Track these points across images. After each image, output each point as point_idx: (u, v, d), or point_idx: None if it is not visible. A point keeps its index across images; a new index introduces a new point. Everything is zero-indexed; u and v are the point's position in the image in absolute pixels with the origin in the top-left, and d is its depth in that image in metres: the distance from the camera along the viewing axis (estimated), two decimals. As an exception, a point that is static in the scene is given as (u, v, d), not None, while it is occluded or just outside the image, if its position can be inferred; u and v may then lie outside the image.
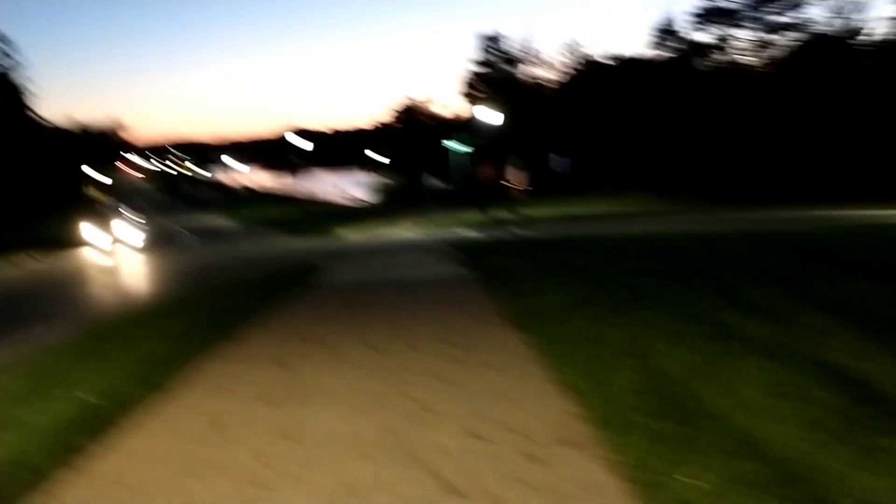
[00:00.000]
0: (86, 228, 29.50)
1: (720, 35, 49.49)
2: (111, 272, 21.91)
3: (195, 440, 4.92)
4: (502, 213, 24.72)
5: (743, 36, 48.64)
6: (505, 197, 23.99)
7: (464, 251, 16.84)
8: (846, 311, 7.07)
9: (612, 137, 48.51)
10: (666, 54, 53.10)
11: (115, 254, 27.11)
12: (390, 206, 56.55)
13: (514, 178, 21.45)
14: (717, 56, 50.39)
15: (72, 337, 9.04)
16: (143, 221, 33.76)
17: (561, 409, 4.97)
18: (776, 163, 41.47)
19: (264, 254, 26.24)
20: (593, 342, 6.59)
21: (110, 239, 28.91)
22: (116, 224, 30.74)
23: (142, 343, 7.95)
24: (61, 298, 15.88)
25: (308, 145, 75.97)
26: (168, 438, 5.00)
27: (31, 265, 26.31)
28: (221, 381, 6.38)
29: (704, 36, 50.70)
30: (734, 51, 49.46)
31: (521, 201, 21.42)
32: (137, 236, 30.83)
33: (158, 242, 35.62)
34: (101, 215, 31.22)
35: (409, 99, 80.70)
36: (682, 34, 52.09)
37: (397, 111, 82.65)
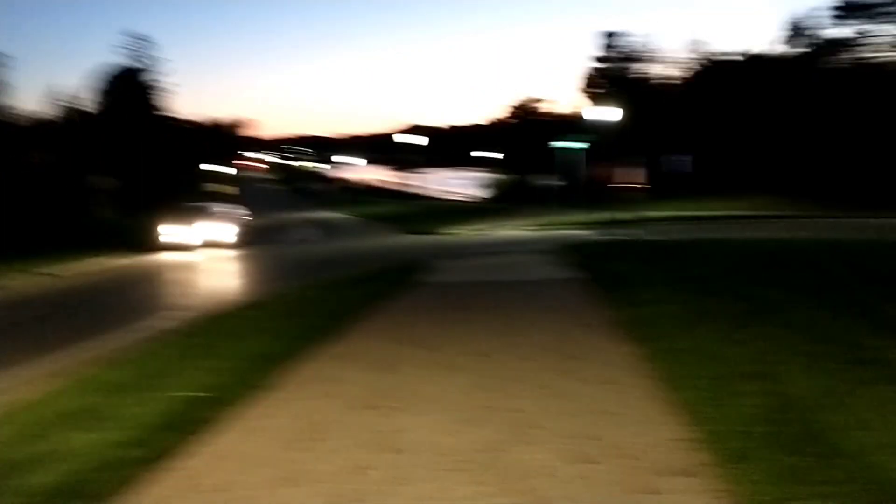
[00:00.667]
0: (168, 228, 28.09)
1: (858, 30, 46.49)
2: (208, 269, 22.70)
3: (292, 445, 4.86)
4: (619, 214, 24.06)
5: (883, 31, 45.52)
6: (622, 197, 23.33)
7: (578, 253, 16.45)
8: None
9: (735, 137, 46.48)
10: (796, 50, 50.37)
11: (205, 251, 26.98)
12: (504, 203, 56.25)
13: (632, 177, 20.80)
14: (851, 53, 47.46)
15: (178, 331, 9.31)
16: (242, 216, 33.19)
17: (677, 434, 4.63)
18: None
19: (376, 249, 26.55)
20: (715, 360, 6.17)
21: (197, 236, 27.58)
22: (206, 221, 28.95)
23: (247, 340, 8.06)
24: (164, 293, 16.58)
25: (423, 141, 76.53)
26: (266, 441, 4.96)
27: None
28: (323, 384, 6.34)
29: (840, 31, 47.78)
30: (871, 47, 46.37)
31: (638, 201, 20.75)
32: (230, 232, 29.36)
33: (267, 237, 36.76)
34: (189, 213, 30.27)
35: (526, 96, 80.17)
36: (814, 29, 49.24)
37: (513, 108, 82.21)
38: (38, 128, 76.28)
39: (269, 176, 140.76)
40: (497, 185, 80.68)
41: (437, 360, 7.04)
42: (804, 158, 41.73)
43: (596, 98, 57.10)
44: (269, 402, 5.88)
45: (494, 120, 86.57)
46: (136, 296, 16.13)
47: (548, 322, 8.75)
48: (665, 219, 29.40)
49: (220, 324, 9.33)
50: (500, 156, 78.12)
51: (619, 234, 21.08)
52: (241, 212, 33.05)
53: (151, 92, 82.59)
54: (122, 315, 12.31)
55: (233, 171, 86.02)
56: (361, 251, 26.14)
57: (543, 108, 78.20)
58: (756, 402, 4.92)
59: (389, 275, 14.59)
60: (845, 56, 47.01)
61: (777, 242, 16.85)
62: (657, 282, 11.16)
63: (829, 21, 47.77)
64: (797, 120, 43.23)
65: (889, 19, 44.81)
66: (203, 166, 70.50)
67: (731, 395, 5.14)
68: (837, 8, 46.05)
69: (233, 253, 25.70)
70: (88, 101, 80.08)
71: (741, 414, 4.73)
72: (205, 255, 25.02)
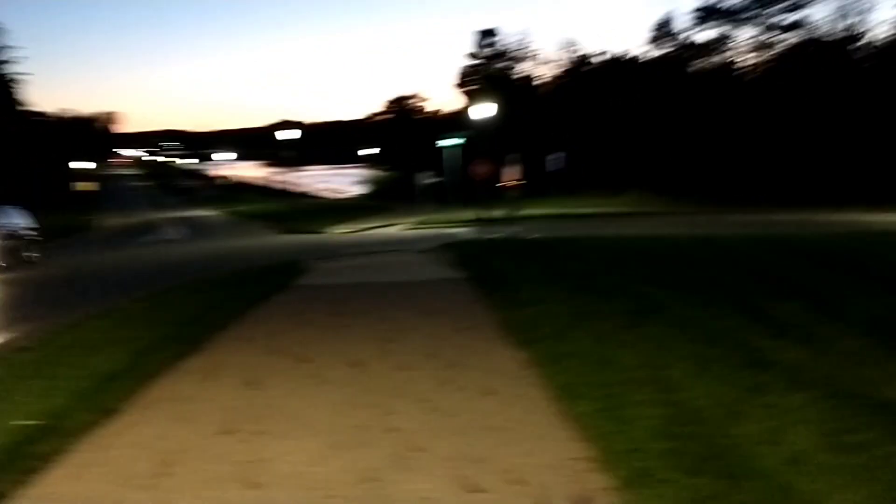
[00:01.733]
0: None
1: (720, 35, 48.82)
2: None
3: (131, 482, 4.11)
4: (496, 211, 23.93)
5: (743, 36, 47.99)
6: (499, 194, 23.20)
7: (457, 252, 16.06)
8: (887, 331, 6.33)
9: (609, 136, 47.78)
10: (664, 52, 52.36)
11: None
12: (381, 201, 55.67)
13: (509, 174, 20.66)
14: (715, 56, 49.74)
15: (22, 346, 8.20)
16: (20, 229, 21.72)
17: (573, 454, 4.19)
18: (774, 165, 40.79)
19: (250, 250, 25.39)
20: (604, 365, 5.82)
21: None
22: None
23: (97, 354, 7.11)
24: None
25: (298, 137, 74.92)
26: (101, 478, 4.18)
27: None
28: (181, 405, 5.57)
29: (704, 35, 50.02)
30: (733, 51, 48.80)
31: (515, 199, 20.64)
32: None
33: (126, 237, 34.65)
34: None
35: (403, 92, 79.83)
36: (680, 33, 51.35)
37: (390, 105, 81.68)
38: None
39: (137, 172, 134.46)
40: (375, 182, 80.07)
41: (306, 372, 6.39)
42: (675, 157, 43.29)
43: (471, 95, 57.37)
44: (110, 429, 5.07)
45: (371, 116, 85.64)
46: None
47: (426, 325, 8.23)
48: (542, 216, 29.61)
49: (58, 337, 8.26)
50: (377, 152, 77.49)
51: (497, 232, 20.91)
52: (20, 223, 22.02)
53: (4, 82, 76.95)
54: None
55: (91, 166, 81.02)
56: (232, 251, 24.90)
57: (420, 104, 78.06)
58: (653, 413, 4.55)
59: (259, 277, 13.73)
60: (710, 58, 49.17)
61: (652, 239, 17.03)
62: (537, 280, 10.87)
63: (693, 24, 49.85)
64: (667, 120, 44.83)
65: (747, 23, 47.18)
66: (70, 163, 66.03)
67: (625, 405, 4.76)
68: (699, 10, 48.08)
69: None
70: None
71: (638, 427, 4.35)
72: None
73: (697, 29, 49.83)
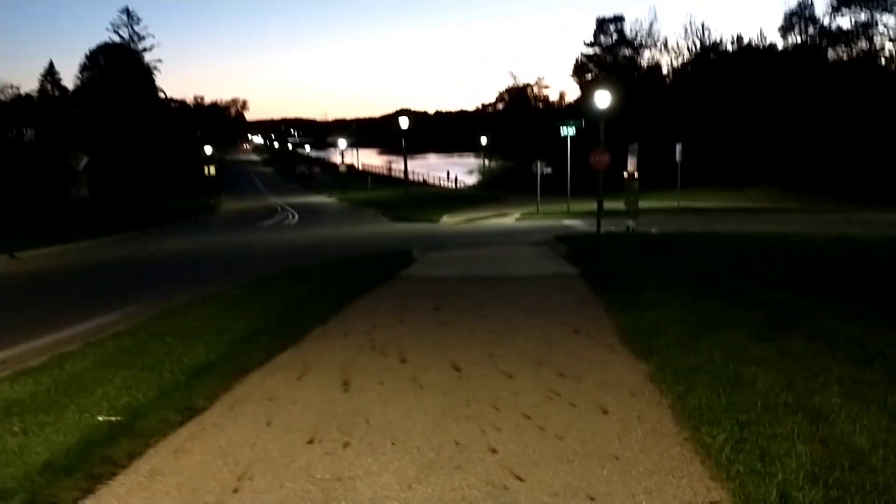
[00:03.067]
0: None
1: (861, 21, 45.41)
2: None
3: (203, 501, 3.71)
4: (615, 204, 22.93)
5: (887, 22, 44.50)
6: (619, 186, 22.18)
7: (572, 245, 15.33)
8: None
9: (733, 127, 45.38)
10: (798, 40, 49.25)
11: None
12: (495, 190, 55.12)
13: (630, 166, 19.63)
14: (855, 44, 46.40)
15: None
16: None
17: (706, 496, 3.50)
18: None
19: (360, 237, 25.41)
20: (739, 385, 5.05)
21: None
22: None
23: (191, 345, 6.86)
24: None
25: (413, 126, 75.32)
26: (168, 491, 3.81)
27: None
28: (268, 406, 5.19)
29: (842, 22, 46.74)
30: (875, 39, 45.34)
31: (635, 191, 19.62)
32: None
33: (241, 222, 35.50)
34: None
35: (520, 82, 78.68)
36: (817, 18, 48.09)
37: (506, 93, 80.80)
38: (20, 104, 74.72)
39: (259, 158, 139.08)
40: (489, 171, 79.58)
41: (402, 374, 5.90)
42: (807, 152, 40.64)
43: (590, 84, 55.89)
44: (190, 430, 4.72)
45: (485, 105, 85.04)
46: (85, 282, 14.98)
47: (534, 327, 7.61)
48: (659, 210, 28.33)
49: (154, 323, 8.11)
50: (490, 141, 76.91)
51: (615, 226, 19.96)
52: None
53: (139, 69, 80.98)
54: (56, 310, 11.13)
55: (218, 151, 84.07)
56: (343, 238, 24.98)
57: (537, 92, 76.82)
58: (803, 451, 3.79)
59: (366, 265, 13.47)
60: (849, 47, 45.92)
61: (786, 238, 15.74)
62: (657, 280, 10.04)
63: (831, 10, 46.63)
64: (800, 112, 42.15)
65: (890, 10, 43.74)
66: (203, 148, 68.72)
67: (769, 437, 4.02)
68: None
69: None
70: (75, 77, 78.80)
71: (787, 468, 3.60)
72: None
73: (836, 15, 46.60)
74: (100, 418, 4.74)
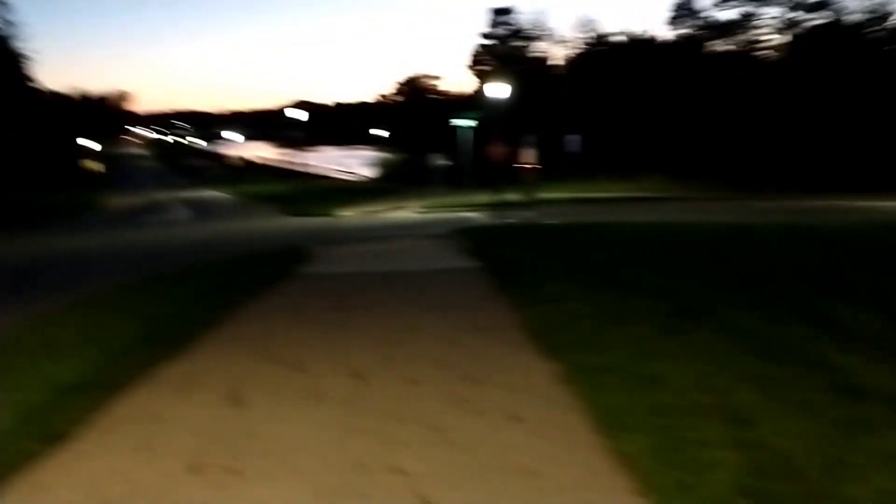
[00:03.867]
0: None
1: (743, 14, 47.26)
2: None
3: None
4: (512, 196, 22.92)
5: (767, 15, 46.46)
6: (515, 178, 22.19)
7: (471, 238, 15.10)
8: None
9: (625, 118, 46.50)
10: (684, 32, 50.83)
11: None
12: (392, 183, 54.69)
13: (526, 157, 19.61)
14: (738, 37, 48.26)
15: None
16: None
17: (629, 513, 3.25)
18: (795, 150, 39.51)
19: (255, 232, 24.54)
20: (652, 384, 4.87)
21: None
22: None
23: (60, 358, 6.20)
24: None
25: (308, 118, 73.88)
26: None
27: None
28: (147, 427, 4.66)
29: (726, 14, 48.50)
30: (756, 32, 47.27)
31: (532, 183, 19.60)
32: None
33: (131, 218, 33.90)
34: None
35: (414, 73, 78.42)
36: (701, 12, 49.75)
37: (401, 85, 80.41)
38: None
39: (147, 152, 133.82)
40: (385, 165, 79.01)
41: (299, 385, 5.47)
42: (694, 141, 42.02)
43: (484, 76, 56.16)
44: (54, 461, 4.15)
45: (382, 97, 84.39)
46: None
47: (437, 325, 7.29)
48: (558, 200, 28.57)
49: (22, 335, 7.35)
50: (387, 134, 76.41)
51: (513, 217, 19.90)
52: None
53: (11, 59, 76.17)
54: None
55: (100, 145, 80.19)
56: (236, 234, 24.05)
57: (432, 84, 76.72)
58: (729, 459, 3.60)
59: (259, 263, 12.83)
60: (732, 39, 47.74)
61: (676, 227, 16.00)
62: (558, 272, 9.91)
63: (715, 3, 48.34)
64: (686, 102, 43.54)
65: (771, 2, 45.71)
66: (79, 141, 65.12)
67: (690, 444, 3.81)
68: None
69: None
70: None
71: (713, 479, 3.39)
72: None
73: (719, 8, 48.32)
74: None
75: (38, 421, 4.68)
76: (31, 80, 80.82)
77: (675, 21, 51.22)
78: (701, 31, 49.44)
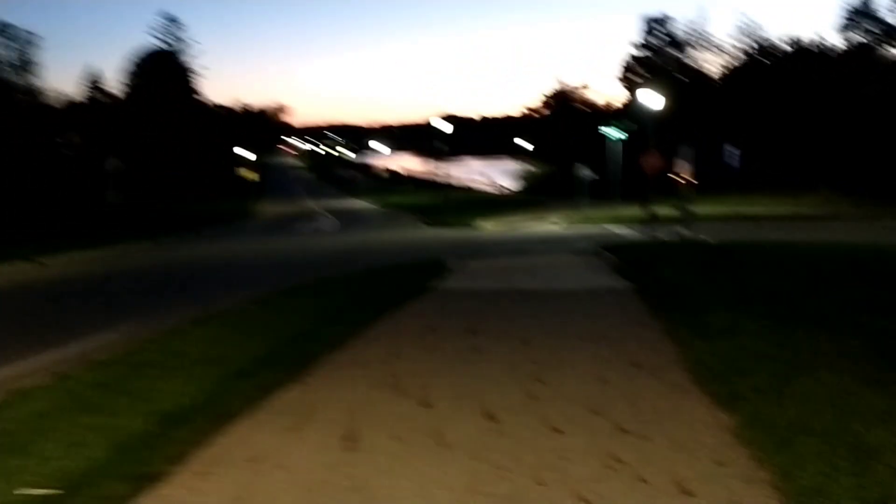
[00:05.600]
0: None
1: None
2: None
3: None
4: (664, 210, 21.48)
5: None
6: (669, 191, 20.75)
7: (621, 255, 14.04)
8: None
9: (787, 130, 43.35)
10: (858, 39, 46.80)
11: None
12: (536, 196, 53.70)
13: (682, 170, 18.18)
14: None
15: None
16: None
17: None
18: None
19: (396, 243, 24.35)
20: (864, 457, 3.77)
21: None
22: None
23: (170, 380, 5.76)
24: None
25: (454, 131, 74.29)
26: None
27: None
28: (246, 471, 4.05)
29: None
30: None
31: (684, 196, 18.14)
32: None
33: (280, 226, 34.61)
34: None
35: (562, 84, 76.92)
36: (879, 16, 45.54)
37: (549, 97, 79.08)
38: (69, 110, 75.49)
39: (301, 163, 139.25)
40: (528, 176, 78.06)
41: (423, 424, 4.73)
42: (861, 156, 38.49)
43: (635, 86, 54.21)
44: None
45: (528, 109, 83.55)
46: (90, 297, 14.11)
47: (586, 359, 6.37)
48: (713, 217, 26.71)
49: (140, 349, 7.04)
50: (531, 146, 75.52)
51: (667, 233, 18.51)
52: None
53: (181, 75, 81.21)
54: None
55: (252, 156, 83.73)
56: (378, 244, 23.98)
57: (580, 95, 75.06)
58: None
59: (396, 276, 12.36)
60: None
61: (855, 248, 14.24)
62: (725, 299, 8.72)
63: (892, 7, 44.28)
64: (854, 113, 40.02)
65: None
66: (238, 151, 68.30)
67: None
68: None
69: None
70: (118, 82, 79.39)
71: None
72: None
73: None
74: (19, 491, 3.64)
75: (132, 456, 4.17)
76: (197, 93, 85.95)
77: (847, 27, 47.30)
78: (876, 36, 45.38)
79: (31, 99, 69.41)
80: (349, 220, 39.32)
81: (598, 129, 34.96)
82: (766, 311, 7.79)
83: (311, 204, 56.61)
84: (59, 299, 13.82)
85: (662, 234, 18.56)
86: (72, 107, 77.26)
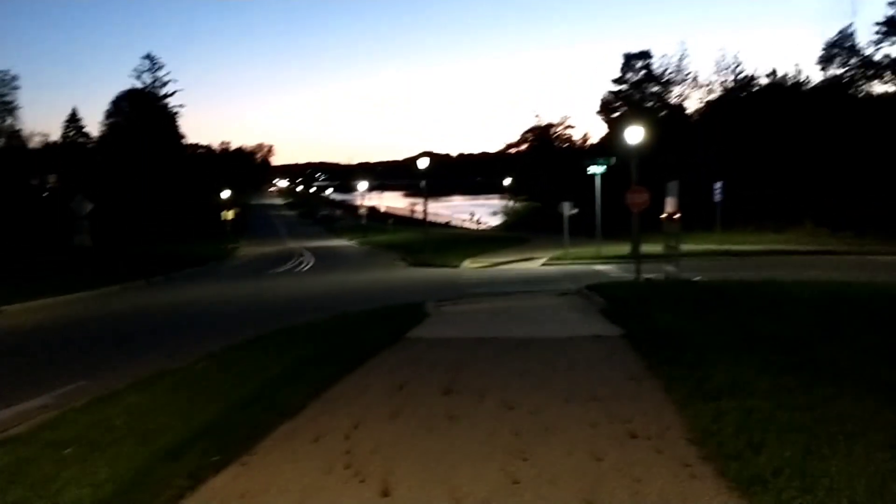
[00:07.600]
0: None
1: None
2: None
3: None
4: (650, 247, 20.80)
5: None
6: (651, 228, 20.08)
7: (609, 296, 13.28)
8: None
9: (769, 164, 43.01)
10: (837, 73, 46.78)
11: None
12: (519, 232, 53.04)
13: (669, 206, 17.48)
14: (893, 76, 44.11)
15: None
16: None
17: None
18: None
19: (375, 285, 23.47)
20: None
21: None
22: None
23: (88, 466, 4.86)
24: None
25: (436, 167, 73.92)
26: None
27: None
28: None
29: (886, 50, 44.26)
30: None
31: (676, 234, 17.43)
32: None
33: (253, 268, 33.68)
34: None
35: (544, 121, 76.76)
36: (857, 52, 45.55)
37: (530, 133, 78.88)
38: (46, 150, 74.54)
39: (282, 202, 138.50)
40: (511, 213, 77.59)
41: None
42: (845, 190, 38.05)
43: (614, 122, 54.06)
44: None
45: (508, 146, 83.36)
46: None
47: (574, 425, 5.55)
48: (698, 253, 26.05)
49: (67, 421, 6.13)
50: (514, 182, 75.23)
51: (654, 272, 17.77)
52: None
53: (161, 115, 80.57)
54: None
55: (239, 196, 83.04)
56: (355, 287, 23.08)
57: (562, 132, 74.98)
58: None
59: (369, 324, 11.50)
60: (891, 75, 43.64)
61: (850, 287, 13.55)
62: (723, 348, 7.94)
63: (874, 41, 44.35)
64: (836, 148, 39.75)
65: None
66: (221, 193, 67.37)
67: None
68: (883, 24, 42.54)
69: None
70: (99, 123, 78.77)
71: None
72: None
73: (877, 46, 44.17)
74: None
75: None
76: (178, 134, 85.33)
77: (826, 60, 47.32)
78: (856, 71, 45.40)
79: (8, 141, 68.47)
80: (328, 259, 38.37)
81: (578, 165, 34.39)
82: (773, 362, 7.00)
83: (291, 244, 55.62)
84: (23, 350, 12.82)
85: (646, 272, 17.82)
86: (50, 148, 76.50)
